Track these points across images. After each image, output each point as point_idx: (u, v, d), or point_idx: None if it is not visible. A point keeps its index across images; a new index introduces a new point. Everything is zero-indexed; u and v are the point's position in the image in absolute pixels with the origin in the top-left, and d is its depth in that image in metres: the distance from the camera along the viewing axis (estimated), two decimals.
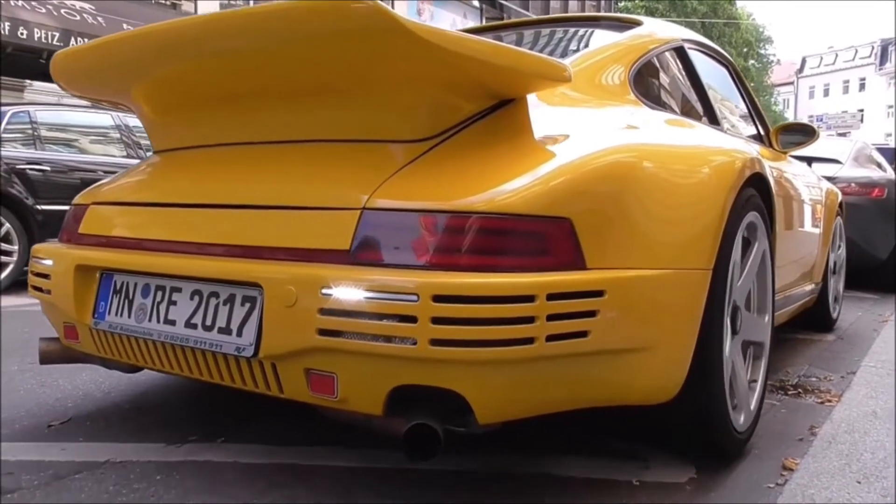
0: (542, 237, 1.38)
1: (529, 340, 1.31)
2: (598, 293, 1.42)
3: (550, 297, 1.33)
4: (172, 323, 1.57)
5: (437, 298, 1.26)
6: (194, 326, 1.53)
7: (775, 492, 1.65)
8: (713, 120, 2.54)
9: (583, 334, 1.40)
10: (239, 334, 1.46)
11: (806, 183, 3.29)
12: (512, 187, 1.38)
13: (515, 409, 1.40)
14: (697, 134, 2.10)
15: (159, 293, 1.62)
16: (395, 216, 1.37)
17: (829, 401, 2.42)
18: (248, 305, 1.46)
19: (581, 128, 1.69)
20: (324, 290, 1.33)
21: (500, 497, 1.60)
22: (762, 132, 3.22)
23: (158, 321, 1.60)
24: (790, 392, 2.54)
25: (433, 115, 1.53)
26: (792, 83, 63.64)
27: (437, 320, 1.26)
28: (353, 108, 1.56)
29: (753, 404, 1.97)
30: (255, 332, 1.43)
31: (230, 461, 1.75)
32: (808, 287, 3.29)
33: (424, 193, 1.40)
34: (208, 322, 1.51)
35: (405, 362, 1.30)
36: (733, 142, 2.18)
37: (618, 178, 1.52)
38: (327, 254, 1.40)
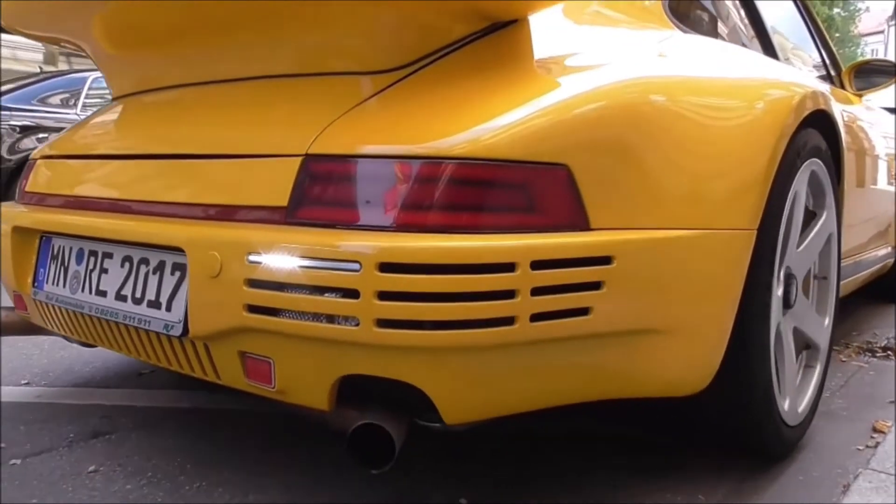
0: (528, 189, 1.08)
1: (508, 321, 1.02)
2: (604, 260, 1.11)
3: (536, 265, 1.03)
4: (104, 294, 1.34)
5: (384, 267, 0.98)
6: (124, 299, 1.30)
7: (866, 454, 1.57)
8: (769, 52, 2.16)
9: (583, 312, 1.10)
10: (168, 309, 1.22)
11: (884, 133, 2.85)
12: (491, 126, 1.07)
13: (494, 406, 1.12)
14: (745, 64, 1.71)
15: (91, 259, 1.38)
16: (342, 164, 1.09)
17: None
18: (177, 275, 1.21)
19: (599, 54, 1.36)
20: (251, 257, 1.06)
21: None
22: (832, 71, 2.80)
23: (90, 292, 1.37)
24: (878, 354, 2.48)
25: (406, 39, 1.22)
26: (882, 31, 59.49)
27: (384, 295, 0.98)
28: (314, 33, 1.27)
29: (811, 390, 1.64)
30: (184, 306, 1.18)
31: None
32: (883, 251, 2.88)
33: (380, 135, 1.11)
34: (138, 294, 1.27)
35: (349, 348, 1.03)
36: (791, 73, 1.79)
37: (635, 116, 1.20)
38: (261, 211, 1.13)
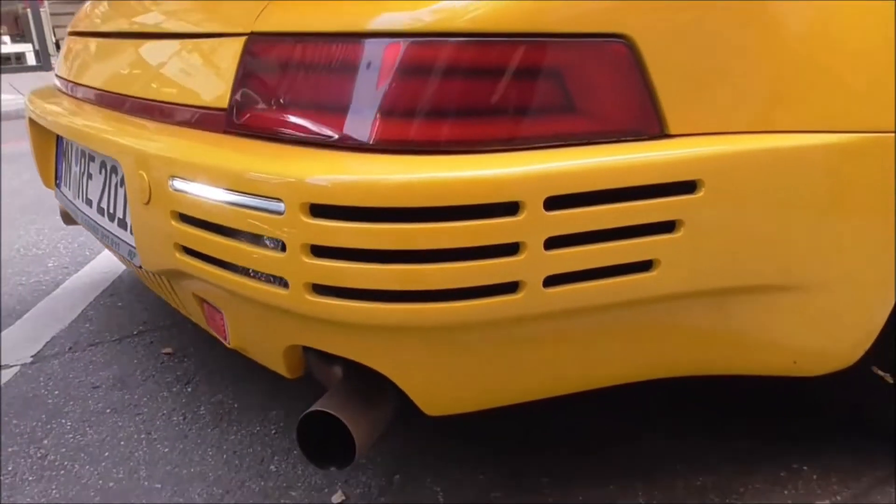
0: (561, 78, 0.69)
1: (509, 288, 0.68)
2: (687, 187, 0.72)
3: (555, 202, 0.67)
4: (90, 203, 1.14)
5: (316, 210, 0.66)
6: (102, 212, 1.09)
7: None
8: None
9: (645, 267, 0.73)
10: (130, 232, 0.99)
11: None
12: None
13: (491, 395, 0.80)
14: None
15: (82, 161, 1.18)
16: (294, 48, 0.76)
17: None
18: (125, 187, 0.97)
19: None
20: (175, 183, 0.79)
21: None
22: None
23: (83, 200, 1.18)
24: None
25: None
26: None
27: (317, 250, 0.67)
28: None
29: None
30: (131, 227, 0.95)
31: None
32: None
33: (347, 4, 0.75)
34: (110, 208, 1.06)
35: (288, 315, 0.74)
36: None
37: None
38: (201, 113, 0.84)
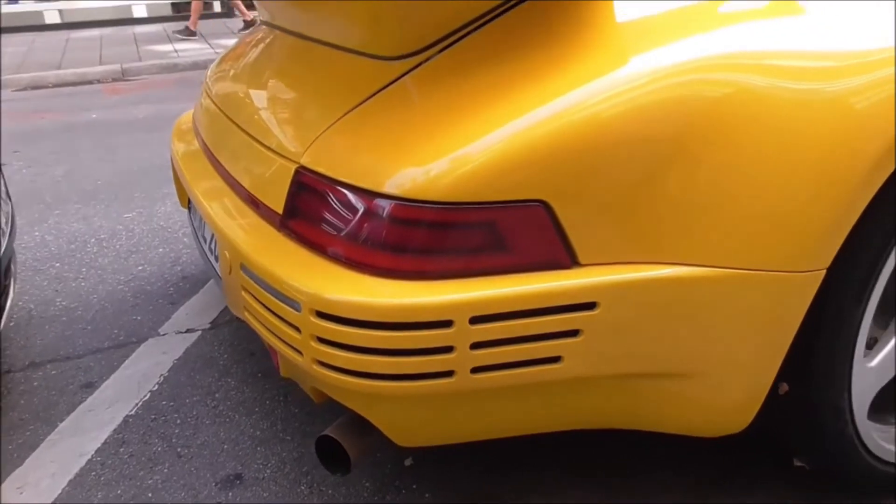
0: (491, 229, 0.98)
1: (446, 374, 0.99)
2: (587, 306, 0.99)
3: (478, 319, 0.96)
4: (205, 240, 1.54)
5: (320, 315, 1.00)
6: (212, 252, 1.48)
7: None
8: None
9: (553, 360, 1.01)
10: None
11: None
12: (458, 157, 0.97)
13: (450, 435, 1.12)
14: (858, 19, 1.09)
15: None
16: (321, 184, 1.08)
17: None
18: None
19: (643, 24, 1.07)
20: (243, 268, 1.14)
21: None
22: None
23: (202, 235, 1.58)
24: None
25: (410, 25, 1.11)
26: None
27: (321, 340, 1.01)
28: (338, 7, 1.20)
29: None
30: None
31: None
32: None
33: (352, 155, 1.07)
34: (215, 252, 1.44)
35: (304, 370, 1.09)
36: None
37: (662, 125, 0.97)
38: (269, 212, 1.19)
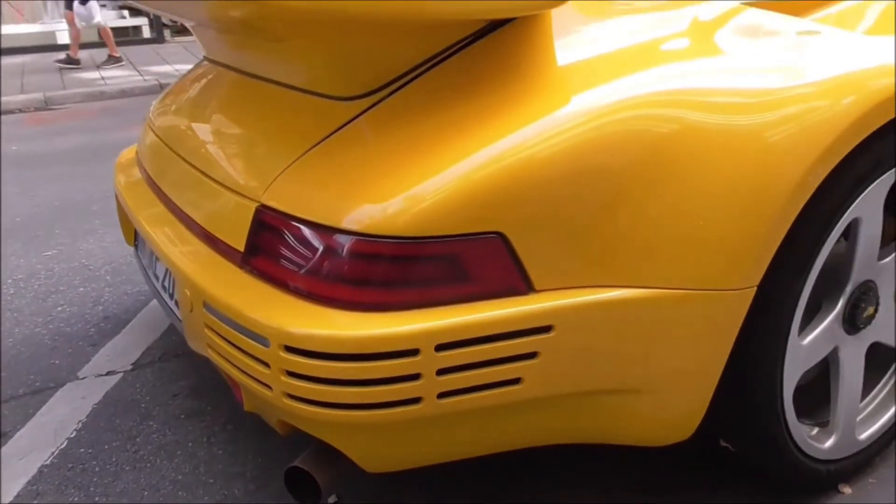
0: (452, 261, 1.03)
1: (414, 401, 1.04)
2: (543, 329, 1.05)
3: (443, 346, 1.02)
4: (157, 278, 1.54)
5: (289, 349, 1.03)
6: (165, 289, 1.48)
7: None
8: None
9: (513, 382, 1.07)
10: (179, 319, 1.38)
11: None
12: (413, 195, 1.02)
13: (416, 460, 1.16)
14: (789, 54, 1.24)
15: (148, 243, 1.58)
16: (283, 221, 1.12)
17: None
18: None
19: (583, 66, 1.15)
20: (205, 305, 1.17)
21: None
22: None
23: (153, 273, 1.58)
24: None
25: (364, 67, 1.16)
26: None
27: (290, 374, 1.04)
28: (290, 49, 1.25)
29: (866, 434, 1.42)
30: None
31: None
32: None
33: (314, 193, 1.11)
34: (171, 290, 1.45)
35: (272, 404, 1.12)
36: (864, 56, 1.22)
37: (606, 158, 1.05)
38: (229, 250, 1.21)
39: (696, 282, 1.09)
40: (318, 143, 1.16)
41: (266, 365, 1.06)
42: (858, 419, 1.40)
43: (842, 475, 1.41)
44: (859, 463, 1.43)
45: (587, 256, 1.06)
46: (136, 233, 1.77)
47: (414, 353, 1.01)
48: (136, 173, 1.79)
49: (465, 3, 1.02)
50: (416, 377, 1.02)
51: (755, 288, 1.11)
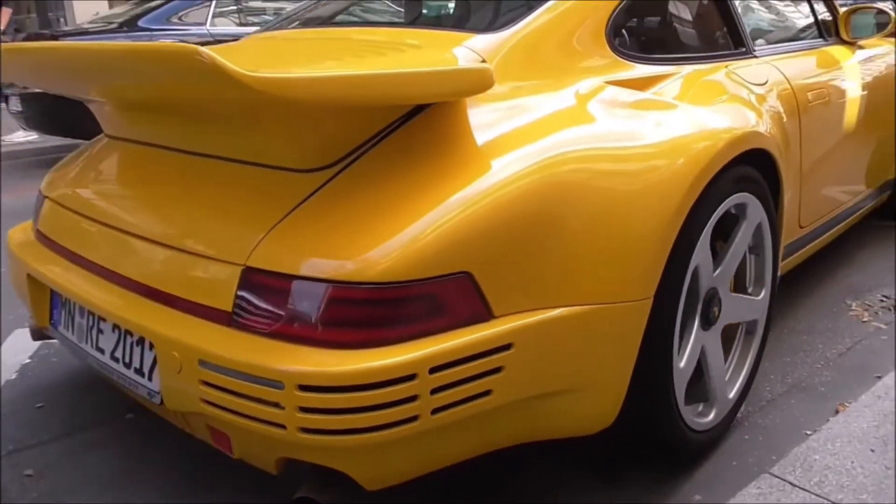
0: (432, 299, 1.26)
1: (412, 419, 1.23)
2: (505, 347, 1.30)
3: (435, 369, 1.23)
4: (102, 351, 1.59)
5: (303, 388, 1.19)
6: (117, 360, 1.54)
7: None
8: (738, 41, 2.16)
9: (485, 394, 1.30)
10: (150, 379, 1.46)
11: (881, 70, 2.82)
12: (393, 245, 1.24)
13: (409, 472, 1.36)
14: (666, 116, 1.67)
15: (90, 318, 1.62)
16: (273, 280, 1.28)
17: None
18: (153, 354, 1.44)
19: (501, 139, 1.44)
20: (201, 363, 1.28)
21: None
22: (829, 17, 2.74)
23: (91, 346, 1.62)
24: None
25: (325, 144, 1.37)
26: None
27: (304, 409, 1.20)
28: (244, 131, 1.42)
29: (733, 393, 1.83)
30: (159, 382, 1.42)
31: None
32: (868, 192, 2.91)
33: (302, 252, 1.28)
34: (127, 359, 1.51)
35: (282, 441, 1.26)
36: (717, 115, 1.74)
37: (532, 206, 1.34)
38: (212, 312, 1.34)
39: (607, 297, 1.40)
40: (293, 209, 1.34)
41: (278, 406, 1.21)
42: (725, 380, 1.79)
43: (716, 439, 1.79)
44: (727, 422, 1.81)
45: (533, 285, 1.33)
46: (51, 311, 1.78)
47: (412, 377, 1.21)
48: (47, 252, 1.81)
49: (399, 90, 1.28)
50: (413, 398, 1.22)
51: (652, 298, 1.44)
